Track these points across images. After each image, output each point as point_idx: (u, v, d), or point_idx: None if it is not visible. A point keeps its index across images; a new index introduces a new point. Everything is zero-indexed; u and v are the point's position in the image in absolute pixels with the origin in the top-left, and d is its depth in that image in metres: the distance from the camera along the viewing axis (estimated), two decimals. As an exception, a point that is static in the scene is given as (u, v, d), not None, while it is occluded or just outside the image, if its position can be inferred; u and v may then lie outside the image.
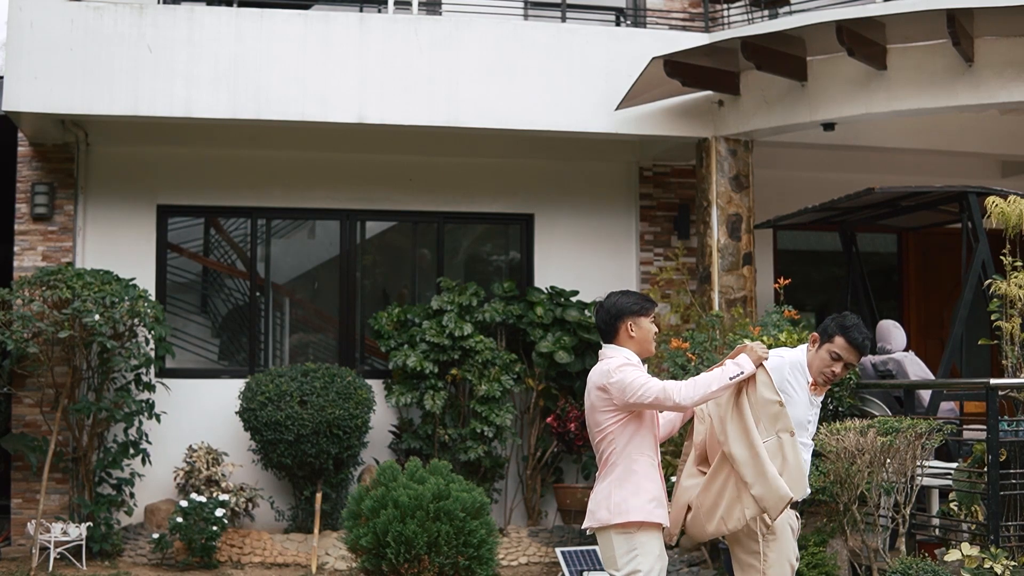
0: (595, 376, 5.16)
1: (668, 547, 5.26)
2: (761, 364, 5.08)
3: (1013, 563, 6.78)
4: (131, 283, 9.70)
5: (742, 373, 4.99)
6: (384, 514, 7.83)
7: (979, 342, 8.57)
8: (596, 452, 5.22)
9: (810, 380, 5.42)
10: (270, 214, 10.87)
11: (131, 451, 9.64)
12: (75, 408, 9.46)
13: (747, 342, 5.21)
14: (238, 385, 10.06)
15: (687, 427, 5.56)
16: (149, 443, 9.77)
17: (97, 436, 9.75)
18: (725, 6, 11.05)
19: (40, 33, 9.24)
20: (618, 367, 5.05)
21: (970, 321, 8.60)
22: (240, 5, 10.18)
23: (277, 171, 10.76)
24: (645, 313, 5.19)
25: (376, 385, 10.34)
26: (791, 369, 5.42)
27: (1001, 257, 8.14)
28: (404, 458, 9.90)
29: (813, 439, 5.60)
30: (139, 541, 9.62)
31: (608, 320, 5.20)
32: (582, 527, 5.29)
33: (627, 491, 5.01)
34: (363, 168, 10.91)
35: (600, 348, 5.33)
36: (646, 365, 5.26)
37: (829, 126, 9.67)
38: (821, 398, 5.53)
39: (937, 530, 7.68)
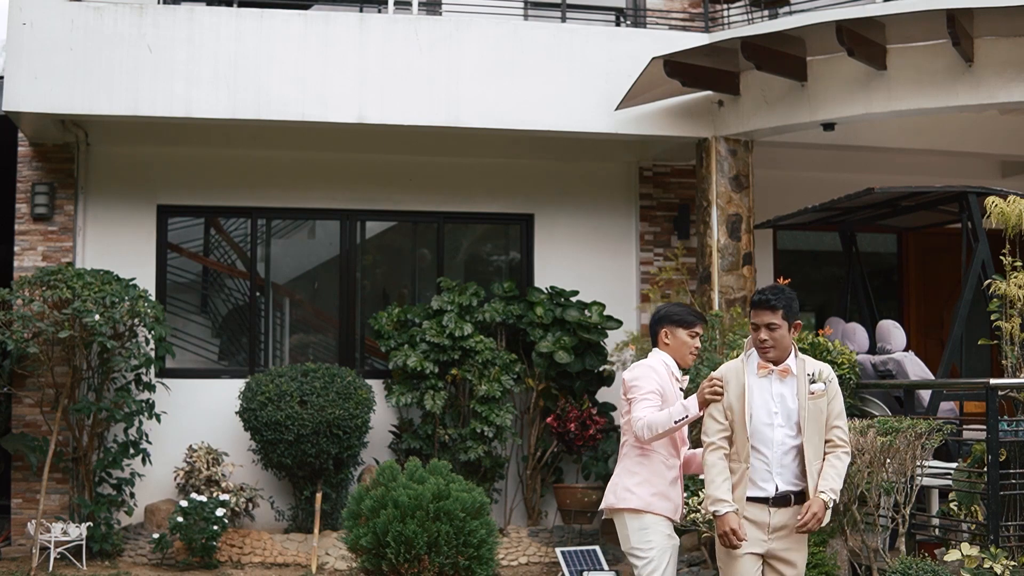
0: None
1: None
2: (707, 403, 5.20)
3: (1013, 563, 6.78)
4: (131, 283, 9.70)
5: (687, 417, 5.23)
6: (384, 514, 7.83)
7: (979, 342, 8.57)
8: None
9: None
10: (270, 214, 10.87)
11: (131, 451, 9.64)
12: (75, 408, 9.46)
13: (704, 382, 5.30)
14: (238, 385, 10.06)
15: None
16: (149, 443, 9.77)
17: (97, 436, 9.75)
18: (725, 6, 11.04)
19: (40, 33, 9.24)
20: (638, 364, 5.47)
21: (970, 321, 8.60)
22: (240, 5, 10.18)
23: (277, 171, 10.76)
24: (684, 325, 5.51)
25: (376, 385, 10.34)
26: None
27: (1001, 257, 8.14)
28: (404, 458, 9.90)
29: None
30: (139, 541, 9.62)
31: (651, 326, 5.65)
32: (599, 509, 5.64)
33: (633, 481, 5.36)
34: (363, 168, 10.91)
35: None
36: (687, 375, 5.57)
37: (829, 126, 9.67)
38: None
39: (937, 530, 7.68)
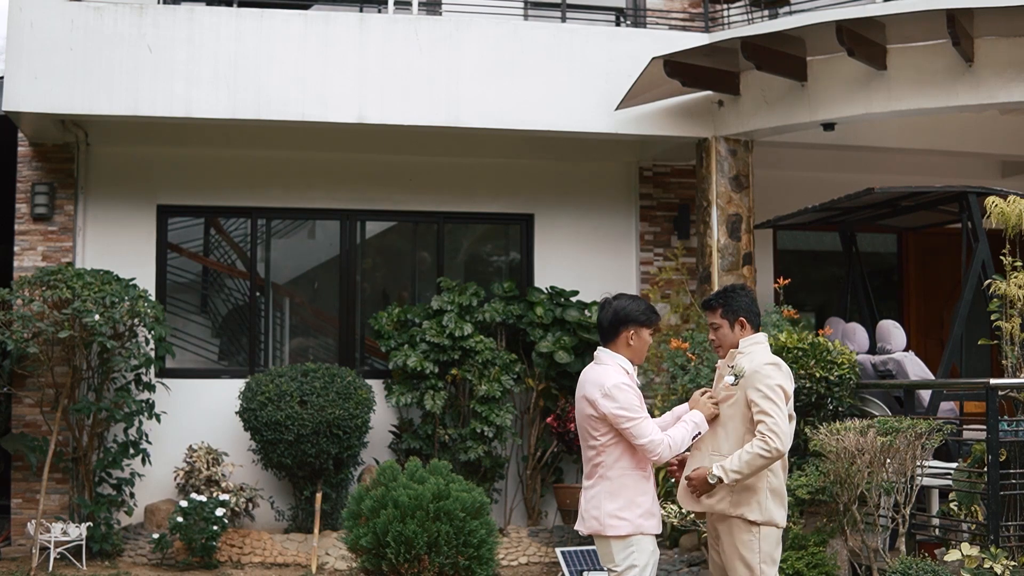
0: (589, 385, 5.22)
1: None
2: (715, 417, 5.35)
3: (1013, 563, 6.78)
4: (131, 283, 9.70)
5: (699, 434, 5.28)
6: (384, 514, 7.83)
7: (979, 342, 8.57)
8: (584, 455, 5.28)
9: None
10: (270, 214, 10.87)
11: (131, 451, 9.64)
12: (75, 408, 9.46)
13: (696, 395, 5.43)
14: (238, 385, 10.06)
15: None
16: (149, 443, 9.77)
17: (97, 436, 9.75)
18: (725, 6, 11.05)
19: (40, 33, 9.24)
20: (615, 386, 5.11)
21: (970, 321, 8.60)
22: (240, 5, 10.18)
23: (277, 171, 10.76)
24: (649, 325, 5.29)
25: (376, 385, 10.34)
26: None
27: (1001, 257, 8.14)
28: (404, 458, 9.90)
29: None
30: (139, 541, 9.62)
31: (612, 322, 5.28)
32: (575, 528, 5.39)
33: (618, 504, 5.11)
34: (363, 168, 10.91)
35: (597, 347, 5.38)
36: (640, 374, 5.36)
37: (829, 126, 9.67)
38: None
39: (937, 530, 7.68)
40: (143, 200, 10.51)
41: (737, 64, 9.74)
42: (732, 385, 5.27)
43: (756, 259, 10.43)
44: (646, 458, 5.17)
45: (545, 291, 10.69)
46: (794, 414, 5.34)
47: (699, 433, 5.25)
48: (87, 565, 9.12)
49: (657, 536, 5.22)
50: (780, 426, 5.10)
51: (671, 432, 5.17)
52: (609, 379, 5.13)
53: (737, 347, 5.39)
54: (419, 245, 11.32)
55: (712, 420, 5.33)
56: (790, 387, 5.28)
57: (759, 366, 5.24)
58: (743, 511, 5.21)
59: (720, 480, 5.15)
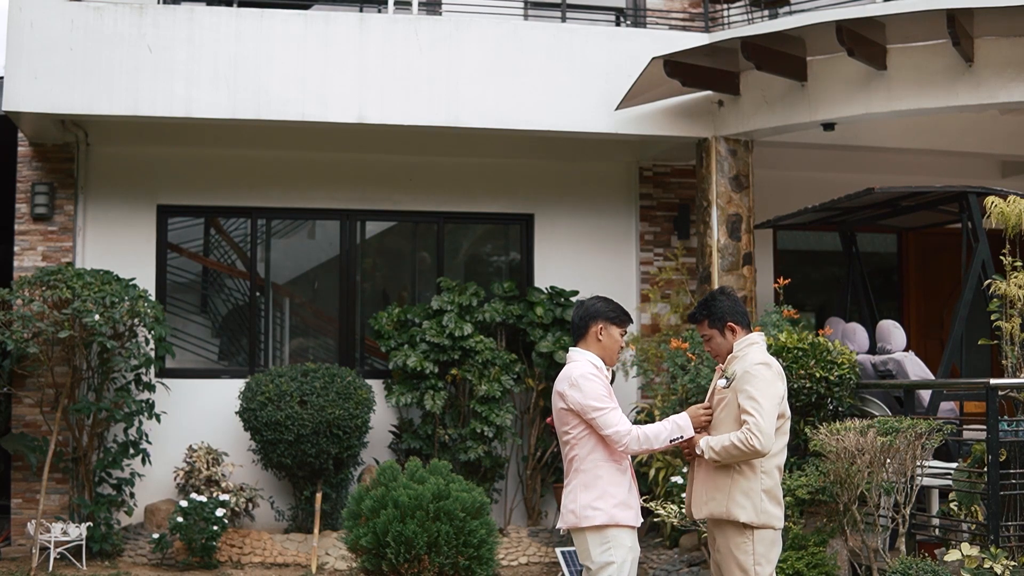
0: (559, 380, 5.26)
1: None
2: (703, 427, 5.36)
3: (1013, 563, 6.78)
4: (131, 283, 9.71)
5: (681, 437, 5.23)
6: (384, 514, 7.83)
7: (979, 342, 8.57)
8: (562, 452, 5.32)
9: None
10: (270, 214, 10.87)
11: (131, 451, 9.64)
12: (75, 408, 9.46)
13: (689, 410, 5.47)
14: (238, 385, 10.06)
15: None
16: (149, 443, 9.77)
17: (97, 436, 9.75)
18: (725, 6, 11.05)
19: (40, 33, 9.24)
20: (582, 375, 5.15)
21: (970, 321, 8.60)
22: (240, 5, 10.18)
23: (277, 171, 10.76)
24: (618, 323, 5.32)
25: (376, 385, 10.34)
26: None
27: (1001, 257, 8.14)
28: (404, 458, 9.90)
29: None
30: (139, 541, 9.62)
31: (582, 319, 5.32)
32: (556, 526, 5.38)
33: (592, 495, 5.14)
34: (363, 168, 10.91)
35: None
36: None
37: (829, 126, 9.67)
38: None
39: (937, 530, 7.68)
40: (143, 200, 10.52)
41: (737, 64, 9.74)
42: (724, 388, 5.28)
43: (756, 259, 10.43)
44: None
45: (545, 291, 10.69)
46: (788, 413, 5.33)
47: (680, 437, 5.20)
48: (87, 565, 9.12)
49: (635, 528, 5.22)
50: (762, 427, 5.10)
51: (646, 426, 5.17)
52: (576, 370, 5.18)
53: (733, 351, 5.38)
54: (419, 245, 11.32)
55: (703, 427, 5.31)
56: (782, 386, 5.27)
57: (749, 366, 5.25)
58: (736, 513, 5.21)
59: (702, 453, 5.25)
